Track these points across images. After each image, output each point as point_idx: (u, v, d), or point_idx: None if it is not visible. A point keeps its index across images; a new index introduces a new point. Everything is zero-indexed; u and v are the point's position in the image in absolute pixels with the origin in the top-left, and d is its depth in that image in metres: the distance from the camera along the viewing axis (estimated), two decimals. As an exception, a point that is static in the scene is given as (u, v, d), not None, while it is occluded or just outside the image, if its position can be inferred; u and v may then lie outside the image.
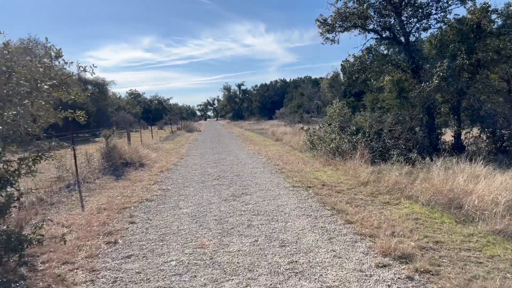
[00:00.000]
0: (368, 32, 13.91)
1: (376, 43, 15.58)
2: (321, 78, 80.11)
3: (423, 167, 9.74)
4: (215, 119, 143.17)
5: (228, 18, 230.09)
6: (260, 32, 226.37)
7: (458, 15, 12.41)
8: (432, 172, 8.33)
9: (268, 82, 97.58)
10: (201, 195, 7.83)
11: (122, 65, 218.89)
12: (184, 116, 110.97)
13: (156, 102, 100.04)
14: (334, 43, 14.73)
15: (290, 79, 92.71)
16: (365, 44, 14.76)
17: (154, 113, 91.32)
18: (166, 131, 41.85)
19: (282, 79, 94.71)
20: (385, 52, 15.21)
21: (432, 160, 10.10)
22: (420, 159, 9.91)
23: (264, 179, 9.43)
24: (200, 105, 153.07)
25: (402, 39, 13.08)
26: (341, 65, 47.49)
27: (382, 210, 6.31)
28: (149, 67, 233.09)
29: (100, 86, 49.67)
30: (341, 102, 14.92)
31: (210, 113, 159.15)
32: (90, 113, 33.67)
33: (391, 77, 13.18)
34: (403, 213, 6.07)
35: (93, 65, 5.08)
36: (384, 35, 13.65)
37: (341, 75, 47.84)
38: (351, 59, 14.00)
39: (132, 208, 6.97)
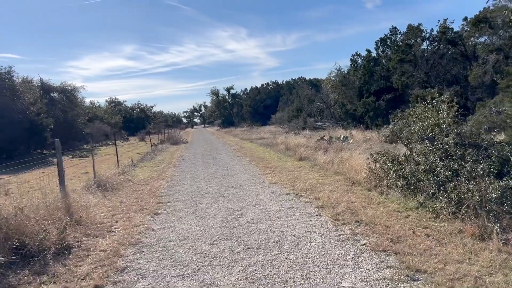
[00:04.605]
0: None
1: None
2: (315, 79, 74.28)
3: None
4: (202, 126, 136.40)
5: (209, 24, 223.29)
6: (242, 37, 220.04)
7: None
8: None
9: (254, 86, 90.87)
10: None
11: (104, 74, 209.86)
12: (169, 124, 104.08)
13: (138, 110, 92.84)
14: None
15: (283, 81, 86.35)
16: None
17: (136, 122, 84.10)
18: (148, 143, 34.83)
19: (274, 81, 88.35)
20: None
21: None
22: None
23: None
24: (186, 111, 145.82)
25: None
26: (351, 59, 41.18)
27: None
28: (132, 75, 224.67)
29: (69, 94, 42.28)
30: (442, 98, 8.24)
31: (196, 119, 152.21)
32: (44, 126, 26.43)
33: None
34: None
35: None
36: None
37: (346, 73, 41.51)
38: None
39: None
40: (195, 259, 4.96)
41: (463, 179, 6.19)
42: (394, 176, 7.85)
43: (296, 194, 8.51)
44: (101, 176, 11.45)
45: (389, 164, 8.47)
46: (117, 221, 7.13)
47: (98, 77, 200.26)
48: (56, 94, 40.97)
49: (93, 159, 11.73)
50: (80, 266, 4.96)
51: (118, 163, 14.70)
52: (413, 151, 8.38)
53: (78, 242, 5.80)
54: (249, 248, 5.21)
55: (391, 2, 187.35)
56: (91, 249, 5.55)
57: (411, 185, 7.31)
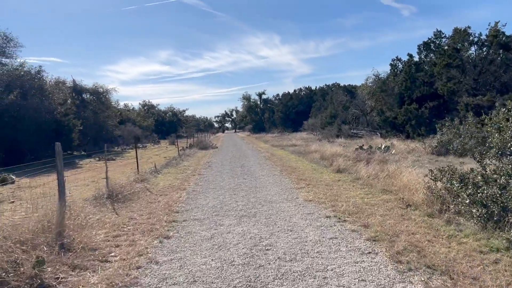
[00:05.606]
0: None
1: None
2: (350, 85, 72.13)
3: None
4: (233, 131, 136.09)
5: (243, 30, 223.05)
6: (275, 44, 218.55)
7: None
8: None
9: (286, 92, 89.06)
10: None
11: (139, 78, 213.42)
12: (201, 128, 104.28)
13: (171, 113, 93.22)
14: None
15: (316, 87, 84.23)
16: None
17: (168, 125, 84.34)
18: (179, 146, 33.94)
19: (307, 87, 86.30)
20: None
21: None
22: None
23: None
24: (218, 116, 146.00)
25: None
26: (390, 64, 38.92)
27: None
28: (166, 80, 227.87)
29: (101, 95, 42.22)
30: None
31: (228, 124, 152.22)
32: (71, 127, 25.88)
33: None
34: None
35: None
36: None
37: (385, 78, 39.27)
38: None
39: None
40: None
41: None
42: (467, 201, 6.14)
43: (339, 218, 6.91)
44: (115, 184, 10.26)
45: (456, 184, 6.77)
46: (117, 246, 5.79)
47: (134, 81, 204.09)
48: (87, 95, 40.95)
49: (106, 165, 10.54)
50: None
51: (138, 170, 13.51)
52: (487, 169, 6.66)
53: (58, 278, 4.47)
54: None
55: (428, 10, 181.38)
56: (71, 291, 4.20)
57: (494, 215, 5.60)
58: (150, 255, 5.34)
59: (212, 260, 5.05)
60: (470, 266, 4.46)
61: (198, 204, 8.88)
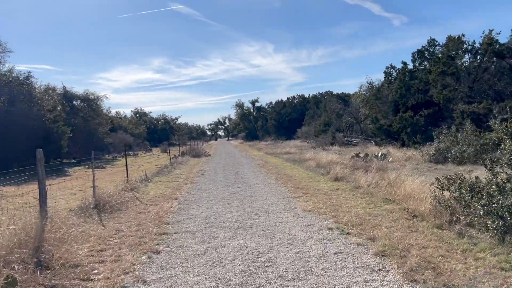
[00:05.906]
0: None
1: None
2: (343, 93, 72.14)
3: None
4: (226, 138, 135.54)
5: (236, 39, 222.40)
6: (268, 52, 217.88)
7: None
8: None
9: (280, 100, 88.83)
10: None
11: (132, 86, 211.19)
12: (194, 136, 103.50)
13: (163, 121, 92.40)
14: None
15: (309, 95, 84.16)
16: None
17: (160, 133, 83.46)
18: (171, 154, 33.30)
19: (300, 94, 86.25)
20: None
21: None
22: None
23: None
24: (211, 124, 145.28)
25: None
26: (384, 72, 38.80)
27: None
28: (159, 88, 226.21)
29: (92, 102, 41.52)
30: None
31: (221, 132, 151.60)
32: (60, 134, 25.20)
33: None
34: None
35: None
36: None
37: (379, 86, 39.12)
38: None
39: None
40: None
41: None
42: (481, 212, 5.70)
43: (342, 230, 6.44)
44: (102, 193, 9.71)
45: (466, 194, 6.35)
46: (102, 262, 5.26)
47: (127, 89, 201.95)
48: (78, 102, 40.27)
49: (93, 173, 9.97)
50: None
51: (128, 178, 12.95)
52: (498, 177, 6.24)
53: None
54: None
55: (418, 20, 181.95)
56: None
57: (512, 227, 5.17)
58: (137, 272, 4.82)
59: (205, 278, 4.55)
60: (493, 286, 4.01)
61: (190, 215, 8.37)
